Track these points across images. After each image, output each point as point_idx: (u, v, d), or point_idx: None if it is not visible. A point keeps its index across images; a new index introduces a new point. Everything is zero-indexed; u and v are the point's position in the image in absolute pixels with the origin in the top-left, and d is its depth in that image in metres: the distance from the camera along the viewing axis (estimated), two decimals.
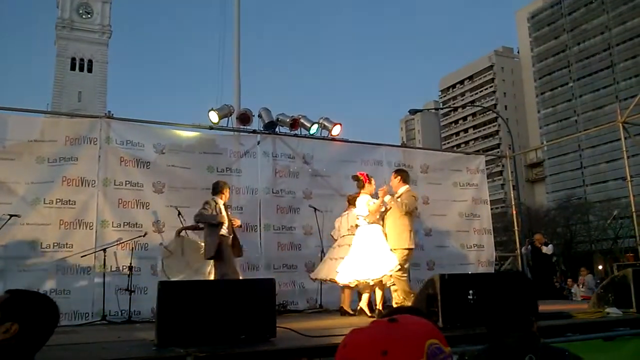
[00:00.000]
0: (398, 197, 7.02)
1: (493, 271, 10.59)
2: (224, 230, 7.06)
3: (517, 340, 1.77)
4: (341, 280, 6.97)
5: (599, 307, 6.27)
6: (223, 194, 7.30)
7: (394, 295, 6.86)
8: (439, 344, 0.99)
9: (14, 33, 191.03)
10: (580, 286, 17.58)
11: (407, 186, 7.23)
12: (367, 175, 7.12)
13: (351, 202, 7.55)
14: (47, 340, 1.89)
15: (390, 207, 6.99)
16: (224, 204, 7.25)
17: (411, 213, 7.07)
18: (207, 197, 7.21)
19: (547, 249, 12.34)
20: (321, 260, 7.96)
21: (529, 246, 12.62)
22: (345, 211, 7.91)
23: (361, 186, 7.06)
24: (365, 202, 6.88)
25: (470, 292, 5.18)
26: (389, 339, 0.95)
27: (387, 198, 6.92)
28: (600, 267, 38.61)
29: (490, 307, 1.84)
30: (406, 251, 6.87)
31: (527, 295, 1.88)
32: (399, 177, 7.24)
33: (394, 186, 7.23)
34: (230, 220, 7.27)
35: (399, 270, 6.70)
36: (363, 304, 7.02)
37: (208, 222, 7.05)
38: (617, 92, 63.31)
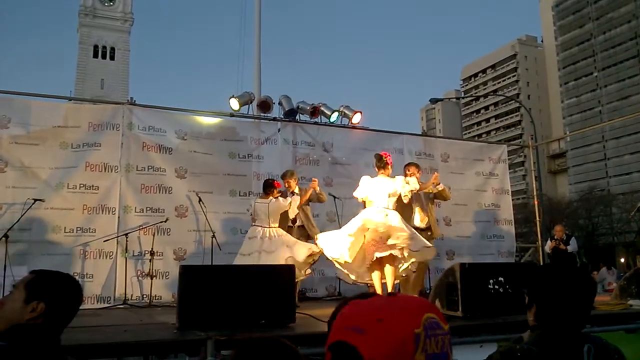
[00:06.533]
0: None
1: (513, 262, 10.48)
2: None
3: (575, 330, 1.74)
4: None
5: (622, 299, 6.21)
6: None
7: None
8: (436, 319, 0.99)
9: (38, 20, 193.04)
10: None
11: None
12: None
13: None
14: (72, 320, 1.92)
15: (435, 191, 7.42)
16: None
17: None
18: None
19: (571, 247, 10.98)
20: None
21: (552, 245, 11.01)
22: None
23: (382, 166, 6.42)
24: (413, 182, 6.58)
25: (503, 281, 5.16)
26: (386, 308, 0.97)
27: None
28: (622, 259, 38.11)
29: (548, 298, 1.78)
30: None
31: (590, 289, 1.86)
32: (422, 172, 7.42)
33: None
34: None
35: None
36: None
37: None
38: None
